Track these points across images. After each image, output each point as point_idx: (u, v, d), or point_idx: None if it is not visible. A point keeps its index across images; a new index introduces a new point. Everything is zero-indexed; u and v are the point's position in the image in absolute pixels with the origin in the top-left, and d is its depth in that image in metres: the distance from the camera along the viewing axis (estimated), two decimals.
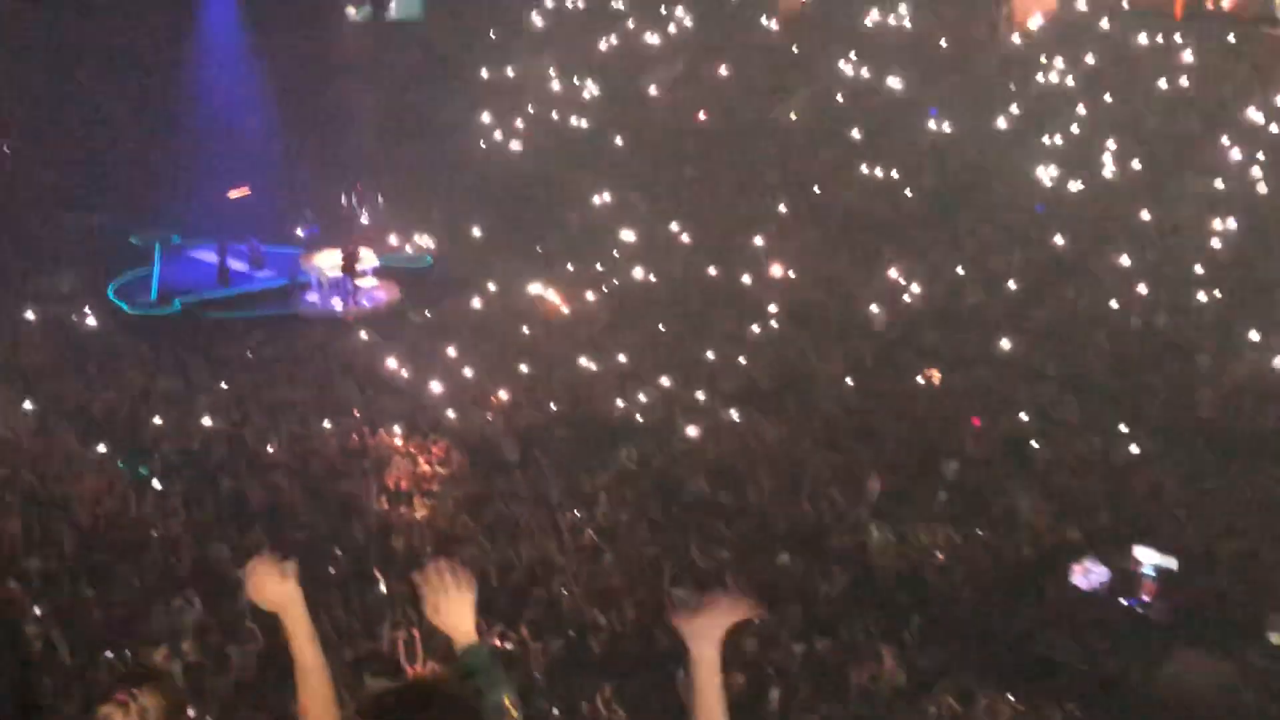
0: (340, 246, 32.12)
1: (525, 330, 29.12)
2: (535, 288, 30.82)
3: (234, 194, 34.97)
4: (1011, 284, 31.05)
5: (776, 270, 31.42)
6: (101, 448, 23.38)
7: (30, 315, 29.55)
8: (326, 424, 24.40)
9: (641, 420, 25.13)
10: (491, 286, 31.13)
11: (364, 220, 35.12)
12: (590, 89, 40.57)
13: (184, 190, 34.81)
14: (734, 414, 25.25)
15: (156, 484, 22.07)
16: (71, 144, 36.21)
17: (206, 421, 24.48)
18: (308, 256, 32.74)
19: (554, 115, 39.64)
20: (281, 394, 26.14)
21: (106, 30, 37.06)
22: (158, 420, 24.47)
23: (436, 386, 26.20)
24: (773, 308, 29.86)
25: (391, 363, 27.47)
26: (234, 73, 37.88)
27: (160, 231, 34.62)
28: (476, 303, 30.64)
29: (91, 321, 29.87)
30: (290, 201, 35.06)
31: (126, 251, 33.91)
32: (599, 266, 32.33)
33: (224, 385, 26.53)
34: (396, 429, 24.37)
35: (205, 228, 33.89)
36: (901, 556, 20.53)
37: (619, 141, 38.32)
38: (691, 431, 24.31)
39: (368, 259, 32.55)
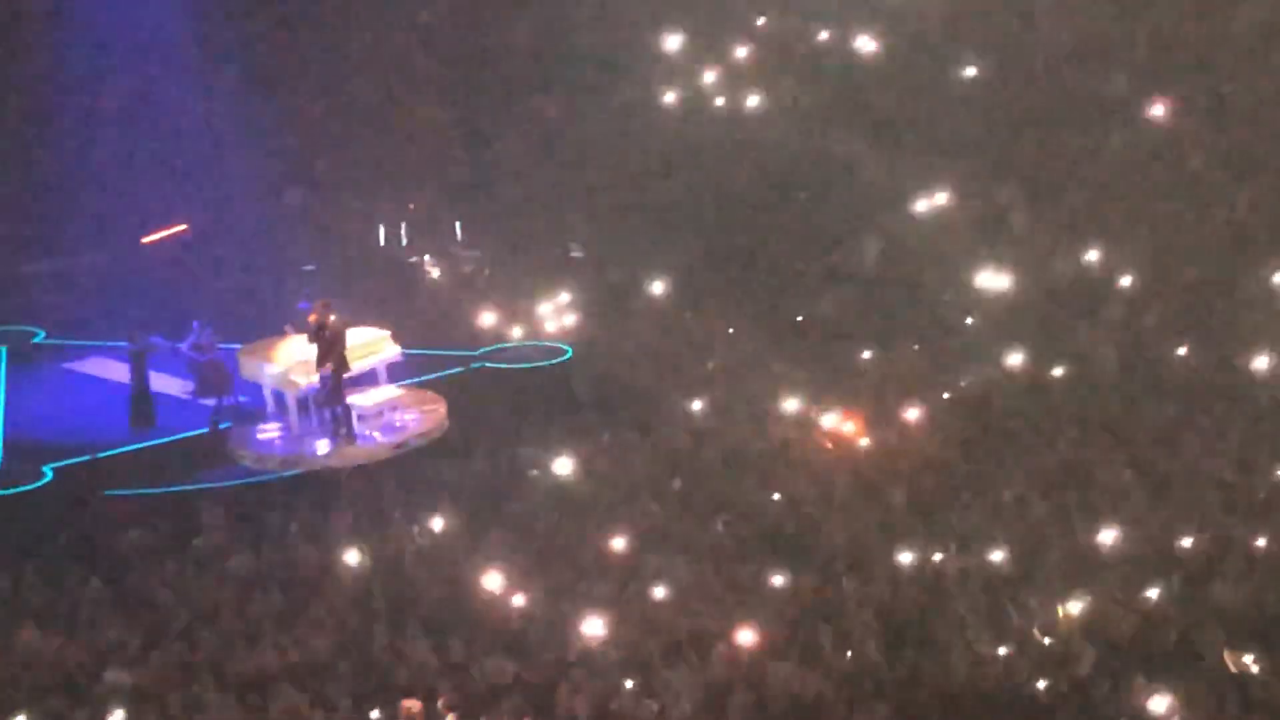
0: (306, 320, 19.69)
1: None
2: (828, 417, 19.01)
3: (156, 237, 23.74)
4: None
5: None
6: None
7: None
8: None
9: None
10: (700, 403, 19.47)
11: (433, 273, 24.21)
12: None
13: (49, 235, 23.75)
14: None
15: None
16: None
17: None
18: (256, 353, 20.81)
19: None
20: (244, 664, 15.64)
21: None
22: None
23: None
24: None
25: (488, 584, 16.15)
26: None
27: (8, 327, 23.61)
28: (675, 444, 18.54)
29: None
30: (266, 249, 24.13)
31: None
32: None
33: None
34: None
35: (98, 312, 23.01)
36: None
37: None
38: None
39: (371, 346, 20.21)
